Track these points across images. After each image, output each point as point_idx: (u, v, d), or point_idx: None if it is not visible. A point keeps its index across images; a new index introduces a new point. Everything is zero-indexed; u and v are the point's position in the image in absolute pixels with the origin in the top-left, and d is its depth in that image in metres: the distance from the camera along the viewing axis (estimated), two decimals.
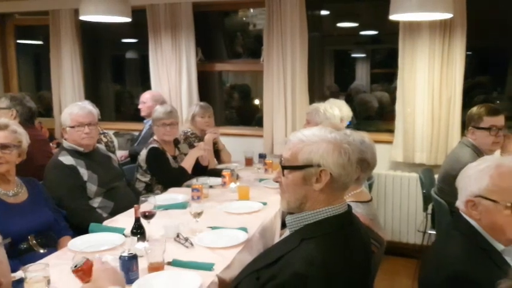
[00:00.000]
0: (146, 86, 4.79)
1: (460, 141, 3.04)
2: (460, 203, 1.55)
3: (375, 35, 4.81)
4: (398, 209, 4.10)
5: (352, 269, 1.35)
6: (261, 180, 3.35)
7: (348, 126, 3.70)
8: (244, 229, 2.33)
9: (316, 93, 4.59)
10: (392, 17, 3.18)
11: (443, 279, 1.39)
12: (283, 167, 1.41)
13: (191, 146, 3.60)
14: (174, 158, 3.45)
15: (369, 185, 3.40)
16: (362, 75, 5.92)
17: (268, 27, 4.21)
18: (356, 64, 5.93)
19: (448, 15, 3.24)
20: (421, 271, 1.54)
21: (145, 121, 4.30)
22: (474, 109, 2.93)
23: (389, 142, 4.10)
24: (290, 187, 1.40)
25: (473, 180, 1.51)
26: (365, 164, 1.89)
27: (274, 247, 1.47)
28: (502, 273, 1.14)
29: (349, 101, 4.74)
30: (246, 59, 5.06)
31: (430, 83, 3.87)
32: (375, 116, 5.05)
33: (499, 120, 2.81)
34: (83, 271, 1.40)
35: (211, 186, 3.15)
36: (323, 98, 3.99)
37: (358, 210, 1.83)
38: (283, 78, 4.24)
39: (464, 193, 1.53)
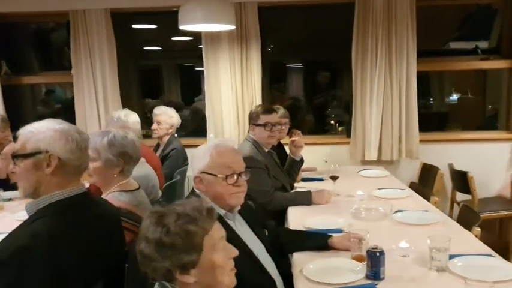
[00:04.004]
0: None
1: (245, 137, 3.43)
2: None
3: None
4: None
5: (83, 242, 1.53)
6: None
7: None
8: None
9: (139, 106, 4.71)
10: (182, 27, 3.39)
11: None
12: (14, 157, 1.54)
13: None
14: None
15: (176, 181, 3.64)
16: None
17: (74, 40, 4.24)
18: (202, 77, 6.19)
19: (231, 27, 3.63)
20: None
21: None
22: (253, 109, 3.32)
23: None
24: (23, 174, 1.53)
25: (199, 159, 1.84)
26: (127, 156, 2.12)
27: (11, 233, 1.58)
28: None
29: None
30: (57, 71, 4.94)
31: (233, 90, 4.29)
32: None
33: (273, 117, 3.19)
34: None
35: (10, 199, 3.09)
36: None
37: (121, 198, 2.04)
38: (94, 90, 4.30)
39: (194, 171, 1.84)
